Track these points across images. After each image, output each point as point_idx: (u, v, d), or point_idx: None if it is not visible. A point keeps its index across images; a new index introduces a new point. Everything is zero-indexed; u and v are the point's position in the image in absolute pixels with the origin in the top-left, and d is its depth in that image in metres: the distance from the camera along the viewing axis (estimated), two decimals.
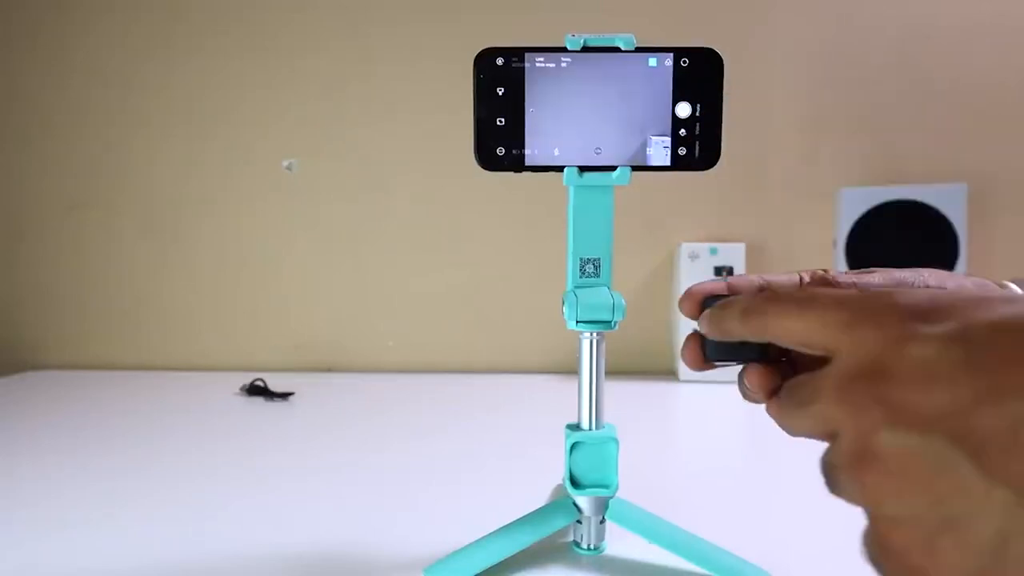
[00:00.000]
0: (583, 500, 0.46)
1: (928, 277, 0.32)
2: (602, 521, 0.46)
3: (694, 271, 1.01)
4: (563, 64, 0.42)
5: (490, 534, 0.46)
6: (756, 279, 0.35)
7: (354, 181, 1.14)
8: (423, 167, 1.13)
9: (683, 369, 1.03)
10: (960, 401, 0.20)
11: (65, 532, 0.52)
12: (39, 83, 1.16)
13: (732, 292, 0.34)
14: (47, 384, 1.07)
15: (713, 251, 1.02)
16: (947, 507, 0.20)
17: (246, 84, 1.13)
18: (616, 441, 0.45)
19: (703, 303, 0.33)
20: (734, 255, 1.01)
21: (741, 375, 0.31)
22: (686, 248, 1.02)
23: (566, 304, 0.44)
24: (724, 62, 0.43)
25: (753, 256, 1.05)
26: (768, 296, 0.27)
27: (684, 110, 0.43)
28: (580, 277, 0.45)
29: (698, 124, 0.43)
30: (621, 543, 0.47)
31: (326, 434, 0.80)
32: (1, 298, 1.20)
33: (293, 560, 0.47)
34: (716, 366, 0.33)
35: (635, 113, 0.43)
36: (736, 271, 1.01)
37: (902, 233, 1.00)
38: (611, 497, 0.46)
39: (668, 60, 0.42)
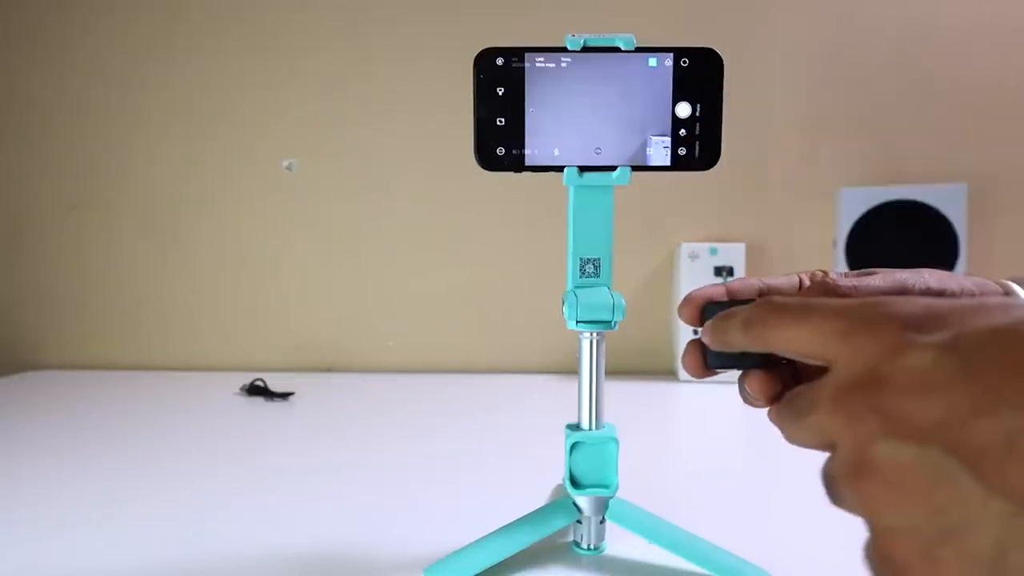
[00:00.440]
0: (583, 500, 0.46)
1: (928, 278, 0.32)
2: (602, 521, 0.46)
3: (694, 271, 1.01)
4: (563, 64, 0.42)
5: (490, 534, 0.46)
6: (756, 282, 0.34)
7: (354, 181, 1.14)
8: (423, 167, 1.13)
9: (683, 369, 1.03)
10: (956, 411, 0.20)
11: (65, 532, 0.52)
12: (39, 83, 1.16)
13: (731, 297, 0.34)
14: (47, 384, 1.07)
15: (713, 251, 1.02)
16: (946, 517, 0.20)
17: (246, 84, 1.13)
18: (616, 441, 0.45)
19: (702, 309, 0.33)
20: (734, 255, 1.01)
21: (742, 381, 0.31)
22: (686, 248, 1.02)
23: (566, 304, 0.44)
24: (724, 62, 0.43)
25: (753, 256, 1.05)
26: (770, 306, 0.27)
27: (684, 110, 0.43)
28: (580, 277, 0.45)
29: (698, 124, 0.43)
30: (621, 543, 0.47)
31: (326, 434, 0.80)
32: (1, 298, 1.20)
33: (293, 560, 0.47)
34: (717, 373, 0.33)
35: (635, 113, 0.43)
36: (736, 271, 1.01)
37: (902, 233, 1.00)
38: (611, 497, 0.46)
39: (668, 60, 0.42)
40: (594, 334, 0.45)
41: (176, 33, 1.14)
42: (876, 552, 0.22)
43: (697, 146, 0.43)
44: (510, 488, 0.60)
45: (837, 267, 1.02)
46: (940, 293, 0.31)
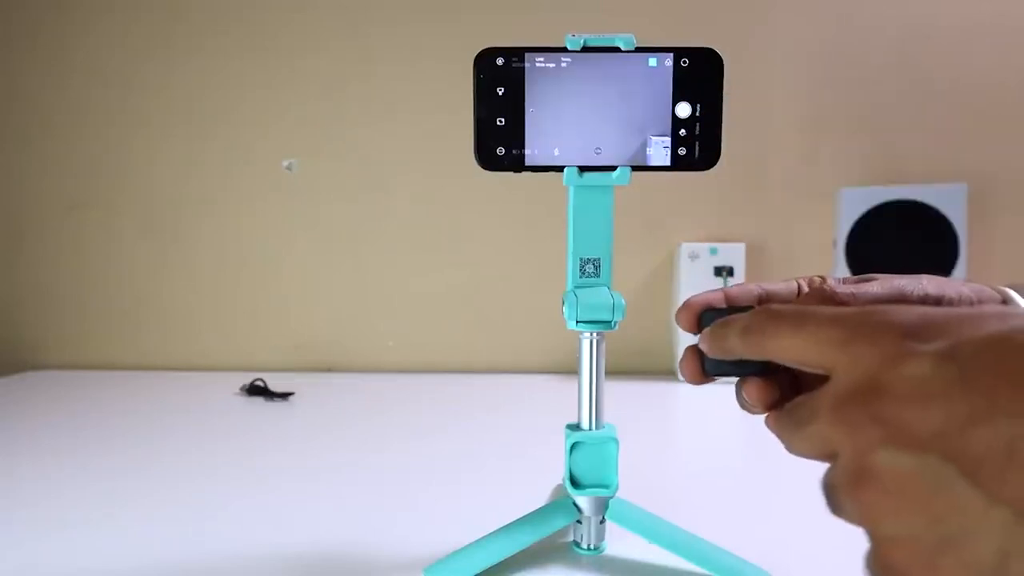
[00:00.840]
0: (583, 500, 0.46)
1: (927, 284, 0.32)
2: (602, 521, 0.46)
3: (694, 271, 1.01)
4: (563, 64, 0.42)
5: (490, 534, 0.46)
6: (754, 288, 0.34)
7: (354, 181, 1.14)
8: (423, 167, 1.13)
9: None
10: (955, 419, 0.20)
11: (65, 532, 0.52)
12: (39, 83, 1.16)
13: (730, 303, 0.34)
14: (47, 384, 1.07)
15: (713, 251, 1.02)
16: (946, 526, 0.20)
17: (246, 84, 1.13)
18: (616, 441, 0.45)
19: (701, 315, 0.33)
20: (734, 255, 1.01)
21: (739, 388, 0.31)
22: (686, 248, 1.02)
23: (566, 304, 0.44)
24: (724, 62, 0.43)
25: (753, 256, 1.05)
26: (768, 315, 0.27)
27: (684, 110, 0.43)
28: (580, 277, 0.45)
29: (698, 124, 0.43)
30: (621, 543, 0.47)
31: (326, 434, 0.80)
32: (1, 298, 1.20)
33: (293, 560, 0.47)
34: (715, 380, 0.33)
35: (635, 113, 0.43)
36: (736, 271, 1.01)
37: (902, 233, 1.00)
38: (611, 497, 0.46)
39: (668, 60, 0.42)
40: (594, 334, 0.45)
41: (176, 33, 1.14)
42: (877, 562, 0.22)
43: (697, 146, 0.43)
44: (510, 488, 0.60)
45: (837, 267, 1.02)
46: (938, 300, 0.31)
